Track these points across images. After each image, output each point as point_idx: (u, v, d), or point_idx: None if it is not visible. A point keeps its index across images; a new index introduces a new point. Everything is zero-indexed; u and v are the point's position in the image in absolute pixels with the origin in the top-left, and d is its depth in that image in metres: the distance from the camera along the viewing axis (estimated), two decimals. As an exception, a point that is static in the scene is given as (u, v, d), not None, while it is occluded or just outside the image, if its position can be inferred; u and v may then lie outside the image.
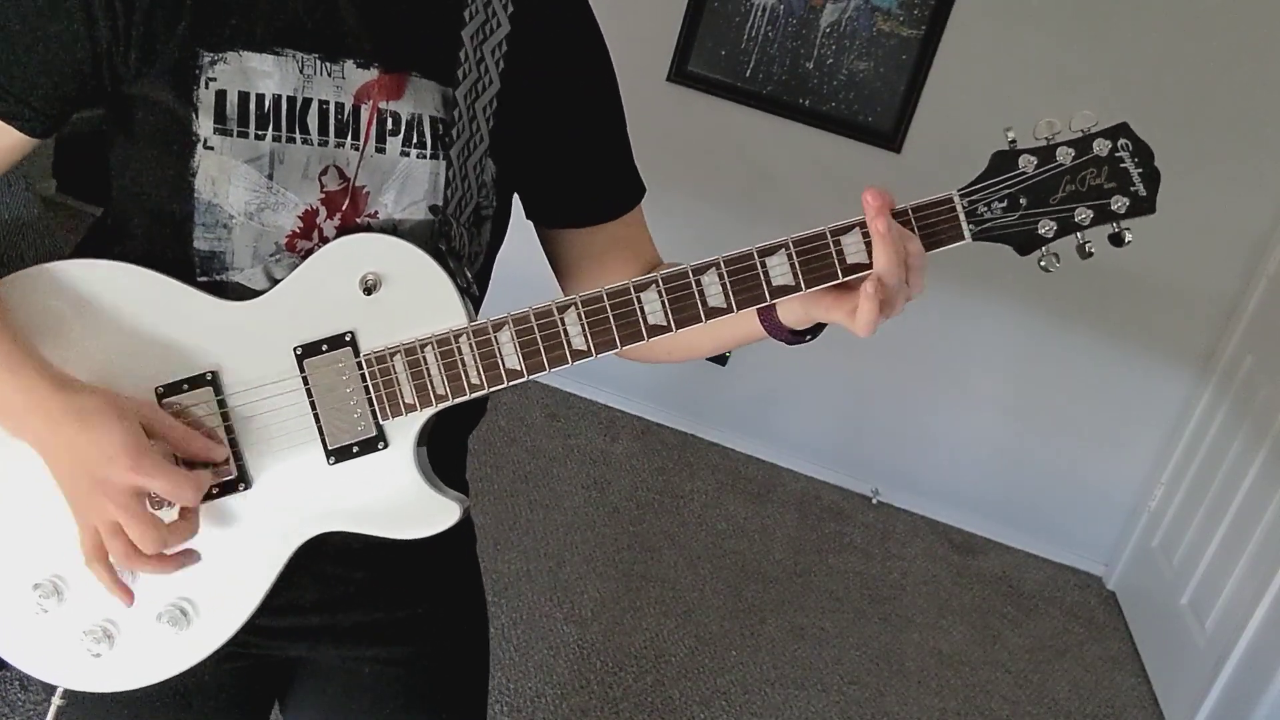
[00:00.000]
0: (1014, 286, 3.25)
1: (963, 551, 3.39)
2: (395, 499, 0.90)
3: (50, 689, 0.96)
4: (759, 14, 3.13)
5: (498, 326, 0.87)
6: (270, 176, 0.86)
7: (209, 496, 0.89)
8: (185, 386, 0.88)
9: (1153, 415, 3.30)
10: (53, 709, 0.95)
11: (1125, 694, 2.88)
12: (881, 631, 2.86)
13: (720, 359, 3.48)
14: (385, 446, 0.89)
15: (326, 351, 0.88)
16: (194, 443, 0.87)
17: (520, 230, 1.07)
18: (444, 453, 0.96)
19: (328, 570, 0.98)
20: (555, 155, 0.98)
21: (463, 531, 1.11)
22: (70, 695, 0.95)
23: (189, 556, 0.88)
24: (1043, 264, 0.87)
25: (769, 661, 2.62)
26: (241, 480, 0.90)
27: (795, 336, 0.92)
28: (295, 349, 0.88)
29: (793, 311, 0.90)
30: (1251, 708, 2.43)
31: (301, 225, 0.88)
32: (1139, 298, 3.19)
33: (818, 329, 0.92)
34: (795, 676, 2.59)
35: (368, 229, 0.89)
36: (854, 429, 3.52)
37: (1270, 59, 2.94)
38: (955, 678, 2.77)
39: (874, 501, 3.51)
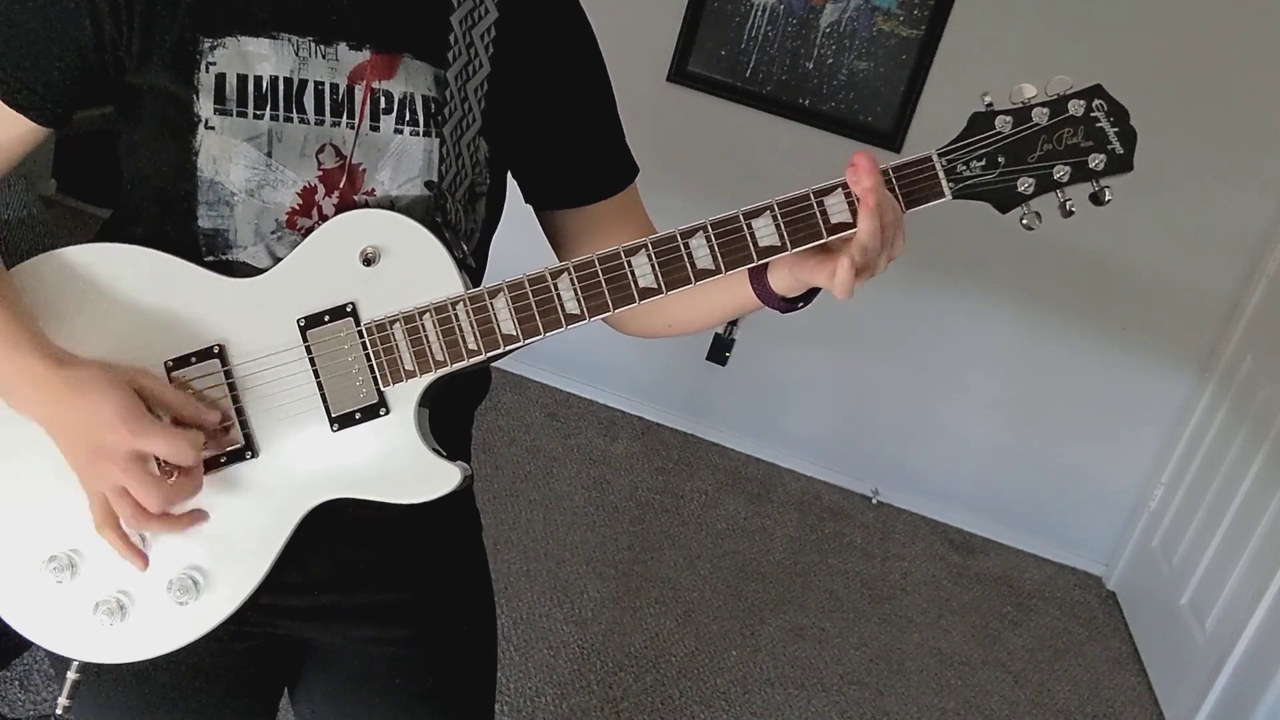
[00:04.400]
0: (1014, 286, 3.25)
1: (963, 551, 3.39)
2: (397, 463, 0.93)
3: (49, 683, 0.96)
4: (759, 14, 3.14)
5: (493, 294, 0.90)
6: (269, 154, 0.89)
7: (217, 465, 0.91)
8: (193, 359, 0.91)
9: (1153, 415, 3.30)
10: (68, 683, 0.96)
11: (1125, 694, 2.88)
12: (881, 631, 2.86)
13: (720, 359, 3.48)
14: (387, 412, 0.92)
15: (329, 322, 0.91)
16: (187, 407, 0.89)
17: (516, 218, 1.09)
18: (449, 425, 0.98)
19: (336, 549, 1.00)
20: (548, 137, 1.01)
21: (469, 517, 1.15)
22: (84, 670, 0.96)
23: (198, 515, 0.90)
24: (1024, 221, 0.89)
25: (769, 661, 2.62)
26: (249, 448, 0.92)
27: (787, 304, 0.95)
28: (299, 320, 0.91)
29: (783, 279, 0.93)
30: (1251, 708, 2.43)
31: (301, 202, 0.91)
32: (1139, 298, 3.19)
33: (809, 296, 0.95)
34: (795, 676, 2.60)
35: (365, 206, 0.92)
36: (854, 429, 3.52)
37: (1270, 59, 2.94)
38: (955, 678, 2.77)
39: (874, 501, 3.51)
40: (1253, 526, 2.66)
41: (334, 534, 0.96)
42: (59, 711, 0.97)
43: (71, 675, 0.96)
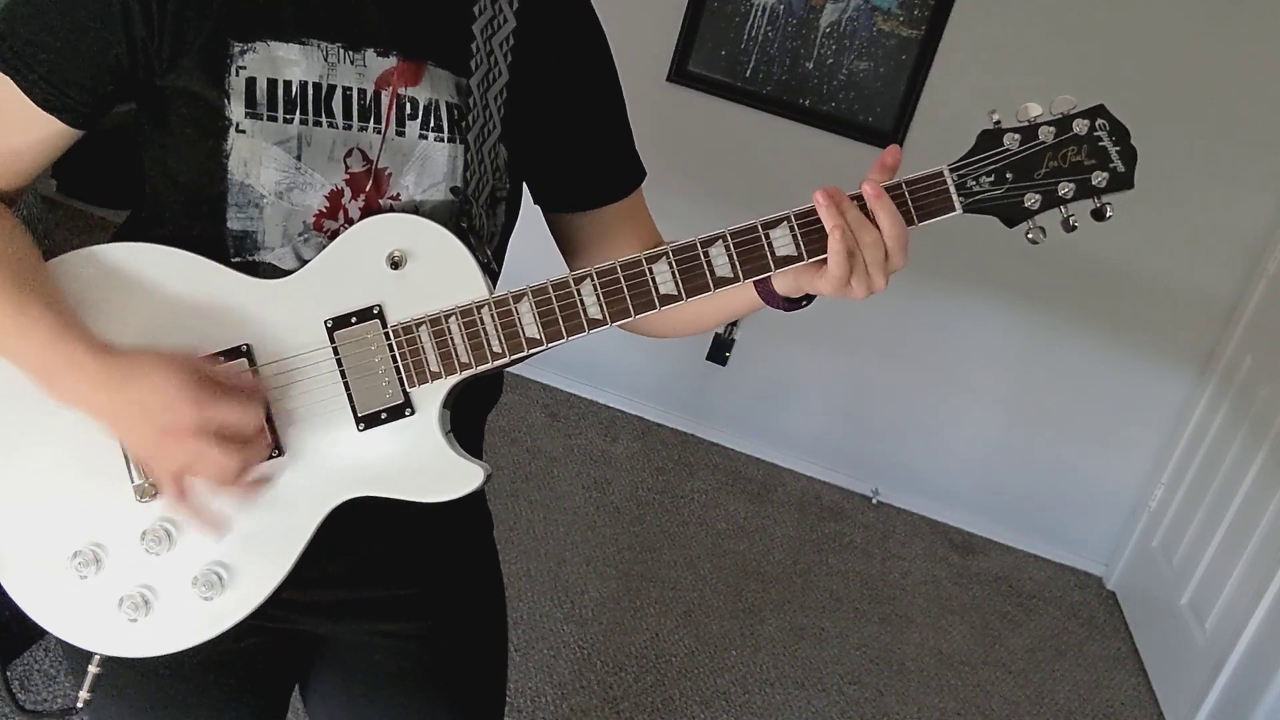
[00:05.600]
0: (1014, 286, 3.25)
1: (963, 551, 3.39)
2: (422, 463, 0.94)
3: (49, 682, 0.96)
4: (759, 14, 3.14)
5: (517, 298, 0.92)
6: (298, 158, 0.90)
7: None
8: (221, 359, 0.92)
9: (1153, 415, 3.30)
10: (89, 677, 0.97)
11: (1125, 694, 2.88)
12: (881, 631, 2.86)
13: (720, 359, 3.48)
14: (412, 413, 0.94)
15: (356, 324, 0.93)
16: (240, 378, 0.91)
17: (527, 222, 1.10)
18: (464, 428, 0.99)
19: (352, 545, 1.01)
20: (561, 141, 1.03)
21: (480, 514, 1.17)
22: (104, 664, 0.97)
23: (262, 482, 0.92)
24: (1030, 236, 0.92)
25: (769, 661, 2.62)
26: (275, 447, 0.93)
27: (791, 304, 0.98)
28: (326, 322, 0.93)
29: (785, 281, 0.96)
30: (1251, 708, 2.43)
31: (328, 205, 0.92)
32: (1139, 298, 3.19)
33: (812, 296, 0.98)
34: (795, 676, 2.60)
35: (390, 210, 0.94)
36: (854, 429, 3.52)
37: (1270, 59, 2.94)
38: (955, 678, 2.77)
39: (874, 501, 3.51)
40: (1253, 526, 2.66)
41: (350, 530, 0.97)
42: (79, 705, 0.98)
43: (93, 669, 0.97)
